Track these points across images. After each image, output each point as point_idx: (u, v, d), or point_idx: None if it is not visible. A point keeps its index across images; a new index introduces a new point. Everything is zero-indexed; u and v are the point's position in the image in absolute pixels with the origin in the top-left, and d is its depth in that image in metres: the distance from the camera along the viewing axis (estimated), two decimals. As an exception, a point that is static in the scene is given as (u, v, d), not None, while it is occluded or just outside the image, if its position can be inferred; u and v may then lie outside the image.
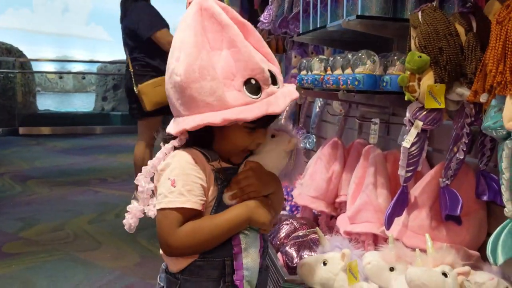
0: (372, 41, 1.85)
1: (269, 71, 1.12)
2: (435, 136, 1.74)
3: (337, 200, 2.01)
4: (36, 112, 10.13)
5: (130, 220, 1.19)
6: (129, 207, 1.20)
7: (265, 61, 1.13)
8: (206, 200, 1.13)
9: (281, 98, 1.12)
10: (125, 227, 1.21)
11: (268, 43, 3.25)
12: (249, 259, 1.14)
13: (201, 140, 1.17)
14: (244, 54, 1.09)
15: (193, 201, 1.10)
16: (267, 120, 1.15)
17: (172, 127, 1.16)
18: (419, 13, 1.29)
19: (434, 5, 1.30)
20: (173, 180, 1.10)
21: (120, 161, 6.78)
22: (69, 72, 13.81)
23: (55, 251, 3.32)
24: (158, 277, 1.25)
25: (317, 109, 2.60)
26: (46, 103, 13.29)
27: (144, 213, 1.20)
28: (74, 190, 5.07)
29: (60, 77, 13.90)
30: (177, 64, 1.09)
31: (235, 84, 1.08)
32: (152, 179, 1.18)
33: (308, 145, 2.66)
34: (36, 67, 11.17)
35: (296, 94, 1.17)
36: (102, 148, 7.76)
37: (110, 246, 3.46)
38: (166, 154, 1.16)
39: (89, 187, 5.22)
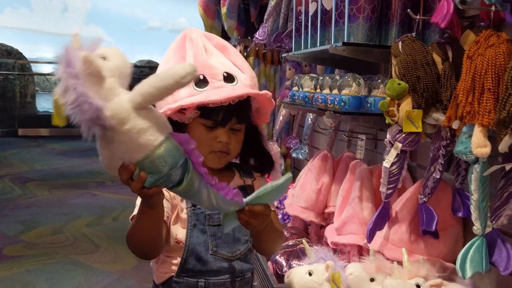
0: (361, 60, 1.95)
1: (226, 72, 1.22)
2: (418, 153, 1.84)
3: (326, 210, 2.11)
4: (35, 113, 10.20)
5: None
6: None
7: (228, 65, 1.25)
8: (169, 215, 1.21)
9: (226, 91, 1.18)
10: None
11: (264, 55, 3.35)
12: None
13: None
14: (198, 54, 1.22)
15: None
16: (224, 118, 1.20)
17: None
18: (399, 43, 1.39)
19: (414, 36, 1.40)
20: None
21: (119, 164, 6.87)
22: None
23: (55, 254, 3.42)
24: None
25: (309, 121, 2.70)
26: (45, 104, 13.34)
27: None
28: (73, 193, 5.17)
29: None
30: None
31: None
32: None
33: (300, 156, 2.75)
34: (36, 67, 11.23)
35: (244, 91, 1.19)
36: (101, 151, 7.84)
37: (108, 249, 3.55)
38: None
39: (87, 190, 5.31)
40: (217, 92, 1.17)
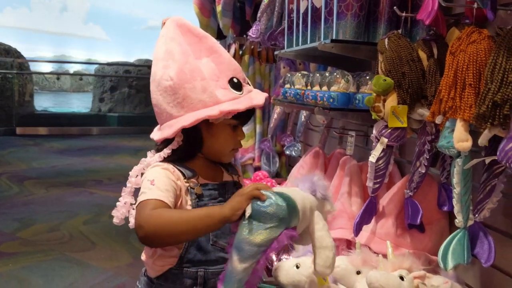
0: (352, 57, 1.97)
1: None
2: (407, 149, 1.87)
3: (318, 206, 2.13)
4: (33, 112, 10.21)
5: (117, 213, 1.27)
6: (117, 204, 1.28)
7: None
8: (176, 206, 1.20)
9: (258, 94, 1.29)
10: (113, 220, 1.29)
11: (259, 53, 3.38)
12: None
13: (188, 149, 1.26)
14: (226, 57, 1.26)
15: (169, 199, 1.14)
16: (247, 118, 1.31)
17: (159, 133, 1.26)
18: (386, 40, 1.42)
19: (399, 33, 1.43)
20: (152, 180, 1.17)
21: (116, 162, 6.89)
22: (66, 73, 13.82)
23: (51, 251, 3.44)
24: (138, 280, 1.34)
25: (303, 119, 2.72)
26: (43, 103, 13.36)
27: (131, 204, 1.26)
28: (70, 191, 5.18)
29: (58, 78, 13.96)
30: (165, 70, 1.22)
31: (221, 84, 1.22)
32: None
33: (294, 153, 2.78)
34: (34, 66, 11.22)
35: (265, 94, 1.32)
36: (99, 149, 7.86)
37: (104, 246, 3.58)
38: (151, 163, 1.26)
39: (85, 188, 5.33)
40: (256, 96, 1.27)
